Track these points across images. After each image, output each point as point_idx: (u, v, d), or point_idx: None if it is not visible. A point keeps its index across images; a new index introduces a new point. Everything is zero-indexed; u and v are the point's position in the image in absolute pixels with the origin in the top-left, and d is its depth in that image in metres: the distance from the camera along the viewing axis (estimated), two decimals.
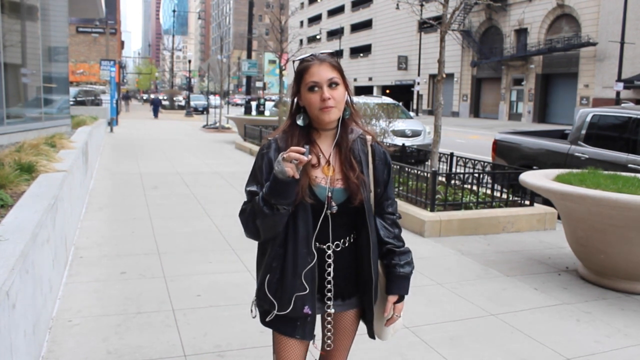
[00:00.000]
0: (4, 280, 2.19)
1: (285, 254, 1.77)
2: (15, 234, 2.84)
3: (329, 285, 1.83)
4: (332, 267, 1.82)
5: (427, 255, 5.27)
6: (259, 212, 1.69)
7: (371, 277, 1.84)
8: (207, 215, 6.73)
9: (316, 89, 1.71)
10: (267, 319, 1.84)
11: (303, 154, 1.57)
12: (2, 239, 2.72)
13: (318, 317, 1.92)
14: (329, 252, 1.81)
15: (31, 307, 2.73)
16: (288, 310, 1.77)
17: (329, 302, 1.84)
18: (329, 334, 1.90)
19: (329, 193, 1.76)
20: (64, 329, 3.38)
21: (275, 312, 1.79)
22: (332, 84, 1.72)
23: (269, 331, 1.93)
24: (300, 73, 1.76)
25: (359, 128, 1.86)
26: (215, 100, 38.49)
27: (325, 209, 1.76)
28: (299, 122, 1.79)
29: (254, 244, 1.92)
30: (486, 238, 5.99)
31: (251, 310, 1.90)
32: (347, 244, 1.85)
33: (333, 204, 1.76)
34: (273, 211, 1.67)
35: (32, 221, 3.14)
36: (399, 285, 1.90)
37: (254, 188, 1.77)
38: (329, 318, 1.87)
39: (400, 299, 1.92)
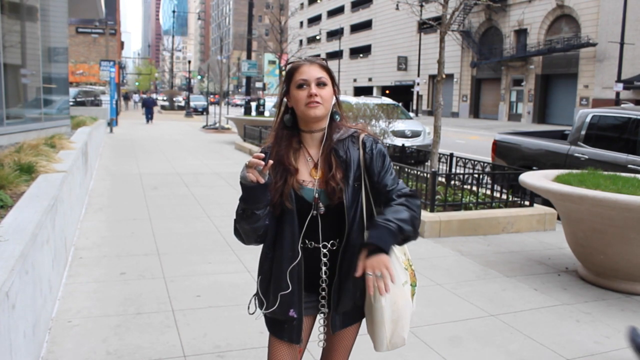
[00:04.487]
0: (4, 281, 2.20)
1: (273, 256, 1.83)
2: (15, 235, 2.84)
3: (323, 284, 1.84)
4: (327, 266, 1.83)
5: (427, 255, 5.27)
6: (237, 215, 1.78)
7: (349, 279, 1.80)
8: (207, 216, 6.74)
9: (304, 86, 1.76)
10: (256, 318, 1.91)
11: (263, 159, 1.62)
12: (2, 240, 2.72)
13: (317, 319, 1.93)
14: (324, 250, 1.82)
15: (31, 308, 2.73)
16: (274, 309, 1.81)
17: (323, 300, 1.85)
18: (323, 333, 1.91)
19: (316, 194, 1.79)
20: (64, 329, 3.38)
21: (262, 310, 1.85)
22: (320, 83, 1.76)
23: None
24: (291, 72, 1.80)
25: (351, 127, 1.86)
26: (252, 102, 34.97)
27: (312, 210, 1.79)
28: (286, 122, 1.83)
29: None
30: (486, 239, 5.99)
31: (248, 307, 1.94)
32: (342, 243, 1.85)
33: (320, 205, 1.79)
34: (245, 214, 1.73)
35: (32, 222, 3.14)
36: (374, 233, 1.67)
37: None
38: (323, 316, 1.89)
39: (376, 251, 1.64)
